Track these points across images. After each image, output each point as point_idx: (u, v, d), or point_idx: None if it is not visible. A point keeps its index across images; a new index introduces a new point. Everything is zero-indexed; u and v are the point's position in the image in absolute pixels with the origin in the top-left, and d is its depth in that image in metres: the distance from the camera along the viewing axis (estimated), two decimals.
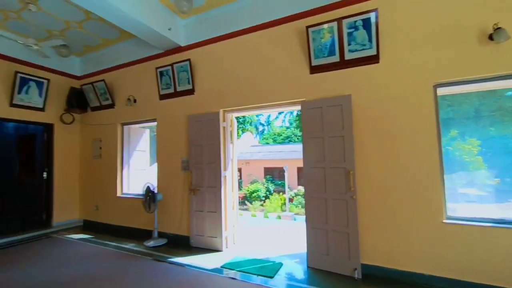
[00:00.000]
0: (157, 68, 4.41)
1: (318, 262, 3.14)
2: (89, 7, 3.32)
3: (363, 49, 2.98)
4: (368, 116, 3.03)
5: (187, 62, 4.07)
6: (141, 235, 4.60)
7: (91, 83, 5.13)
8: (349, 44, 3.03)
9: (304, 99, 3.37)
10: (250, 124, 20.48)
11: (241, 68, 3.83)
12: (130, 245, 4.21)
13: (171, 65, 4.21)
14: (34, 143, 6.31)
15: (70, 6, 3.86)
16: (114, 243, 4.34)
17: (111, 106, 5.15)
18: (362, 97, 3.06)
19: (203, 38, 4.10)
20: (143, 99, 4.77)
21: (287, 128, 21.96)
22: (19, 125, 5.35)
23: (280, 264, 3.31)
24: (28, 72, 4.80)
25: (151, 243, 4.16)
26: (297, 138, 20.04)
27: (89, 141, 5.59)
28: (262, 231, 5.36)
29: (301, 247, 3.83)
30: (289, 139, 20.81)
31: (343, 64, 3.11)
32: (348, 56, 3.07)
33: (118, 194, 5.09)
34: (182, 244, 4.14)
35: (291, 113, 20.37)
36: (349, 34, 2.99)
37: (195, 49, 4.18)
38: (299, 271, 3.14)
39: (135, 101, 4.82)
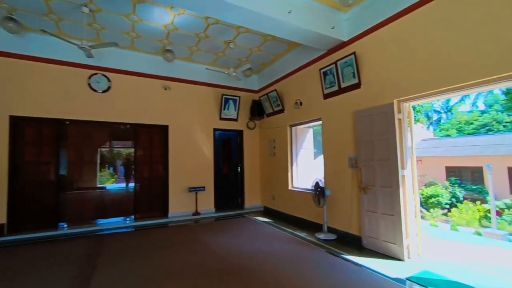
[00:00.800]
0: (320, 69, 4.61)
1: None
2: (272, 31, 4.04)
3: None
4: None
5: (352, 56, 3.94)
6: (310, 226, 4.98)
7: (266, 94, 6.23)
8: None
9: None
10: (420, 113, 16.67)
11: (422, 46, 3.17)
12: (303, 234, 4.65)
13: (335, 63, 4.25)
14: (231, 145, 8.56)
15: (254, 36, 4.90)
16: (289, 230, 4.98)
17: (282, 111, 5.98)
18: None
19: (368, 26, 3.80)
20: (308, 101, 5.16)
21: (482, 113, 15.86)
22: (222, 132, 7.46)
23: None
24: (228, 93, 6.60)
25: (321, 236, 4.39)
26: (503, 126, 14.02)
27: (266, 142, 6.80)
28: (455, 247, 4.19)
29: None
30: (487, 127, 14.95)
31: None
32: None
33: (290, 187, 5.81)
34: (352, 242, 4.04)
35: (490, 93, 14.56)
36: None
37: (359, 41, 3.97)
38: None
39: (301, 104, 5.31)
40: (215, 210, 6.50)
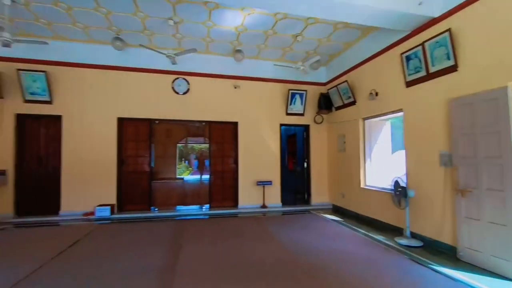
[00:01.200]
0: (402, 53, 4.08)
1: None
2: (345, 18, 3.80)
3: None
4: None
5: (446, 34, 3.33)
6: (387, 229, 4.52)
7: (335, 86, 5.89)
8: None
9: None
10: None
11: None
12: (379, 237, 4.26)
13: (421, 44, 3.68)
14: (296, 140, 8.49)
15: (323, 26, 4.69)
16: (362, 231, 4.62)
17: (353, 103, 5.57)
18: None
19: None
20: (386, 90, 4.64)
21: None
22: (287, 127, 7.46)
23: None
24: (295, 88, 6.53)
25: (403, 241, 3.93)
26: None
27: (334, 137, 6.47)
28: None
29: None
30: None
31: None
32: None
33: (362, 185, 5.39)
34: (443, 252, 3.48)
35: None
36: None
37: (457, 14, 3.32)
38: None
39: (376, 94, 4.83)
40: (282, 205, 6.58)
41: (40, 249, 3.57)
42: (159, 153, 6.55)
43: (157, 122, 6.17)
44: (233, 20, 4.58)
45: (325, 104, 6.41)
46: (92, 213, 5.44)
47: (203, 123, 6.46)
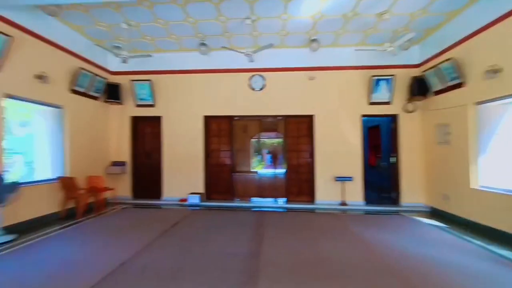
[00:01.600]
0: None
1: None
2: None
3: None
4: None
5: None
6: None
7: (434, 66, 4.93)
8: None
9: None
10: None
11: None
12: (503, 251, 3.37)
13: None
14: (379, 132, 7.61)
15: None
16: (476, 241, 3.76)
17: (459, 85, 4.55)
18: None
19: None
20: None
21: None
22: (368, 119, 6.71)
23: None
24: (379, 73, 5.81)
25: None
26: None
27: (432, 127, 5.46)
28: None
29: None
30: None
31: None
32: None
33: (473, 186, 4.37)
34: None
35: None
36: None
37: None
38: None
39: (498, 71, 3.78)
40: (365, 203, 6.03)
41: (152, 227, 4.34)
42: (237, 147, 6.98)
43: (236, 118, 6.59)
44: (309, 8, 4.39)
45: (419, 89, 5.46)
46: (185, 200, 6.27)
47: (279, 118, 6.53)
